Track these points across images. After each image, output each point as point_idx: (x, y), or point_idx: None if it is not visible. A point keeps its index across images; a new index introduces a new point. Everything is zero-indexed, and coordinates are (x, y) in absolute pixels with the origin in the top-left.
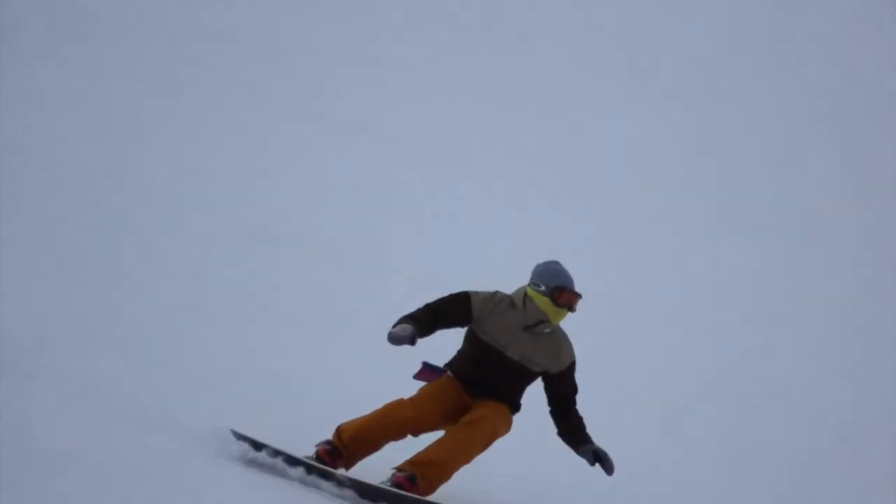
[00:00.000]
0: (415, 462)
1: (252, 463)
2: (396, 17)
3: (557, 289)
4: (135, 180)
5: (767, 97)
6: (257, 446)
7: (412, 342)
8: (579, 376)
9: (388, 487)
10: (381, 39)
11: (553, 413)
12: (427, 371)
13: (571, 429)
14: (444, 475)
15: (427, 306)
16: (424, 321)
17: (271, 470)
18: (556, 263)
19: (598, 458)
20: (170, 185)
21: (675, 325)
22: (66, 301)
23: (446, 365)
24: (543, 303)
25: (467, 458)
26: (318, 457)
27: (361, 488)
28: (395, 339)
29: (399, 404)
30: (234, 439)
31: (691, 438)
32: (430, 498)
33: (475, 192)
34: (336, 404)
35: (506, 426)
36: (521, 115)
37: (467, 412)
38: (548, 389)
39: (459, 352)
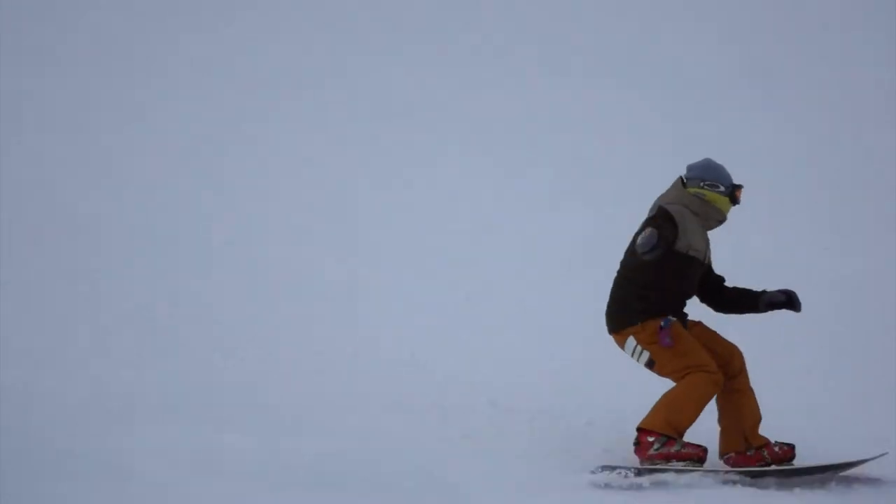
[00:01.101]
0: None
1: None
2: None
3: (736, 187)
4: None
5: None
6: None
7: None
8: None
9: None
10: None
11: (712, 296)
12: (666, 330)
13: (741, 292)
14: None
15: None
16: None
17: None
18: (712, 160)
19: (789, 297)
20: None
21: None
22: None
23: (653, 314)
24: (724, 203)
25: None
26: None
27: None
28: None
29: (707, 368)
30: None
31: None
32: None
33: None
34: None
35: None
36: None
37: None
38: (704, 278)
39: (662, 285)
